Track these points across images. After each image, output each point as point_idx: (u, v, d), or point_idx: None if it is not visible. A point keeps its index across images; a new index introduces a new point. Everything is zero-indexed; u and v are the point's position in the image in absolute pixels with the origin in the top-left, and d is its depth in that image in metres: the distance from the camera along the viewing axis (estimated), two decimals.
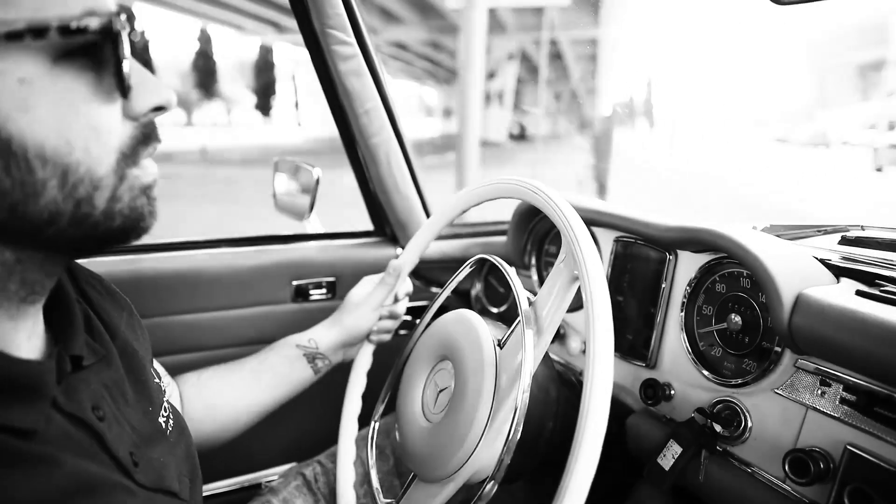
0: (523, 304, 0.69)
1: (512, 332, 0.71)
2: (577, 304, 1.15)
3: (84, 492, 0.45)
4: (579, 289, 0.64)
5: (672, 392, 0.92)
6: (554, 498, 0.54)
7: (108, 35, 0.41)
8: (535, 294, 0.72)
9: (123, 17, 0.42)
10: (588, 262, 0.62)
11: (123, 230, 0.46)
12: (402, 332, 1.42)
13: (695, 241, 0.89)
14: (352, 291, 1.00)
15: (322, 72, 1.19)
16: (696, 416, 0.85)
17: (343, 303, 1.00)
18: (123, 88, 0.43)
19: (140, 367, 0.63)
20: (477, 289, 1.44)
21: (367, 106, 1.19)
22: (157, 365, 0.75)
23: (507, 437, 0.62)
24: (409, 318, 1.44)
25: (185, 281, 1.21)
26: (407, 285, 1.02)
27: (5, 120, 0.38)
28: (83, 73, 0.41)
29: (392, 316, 1.01)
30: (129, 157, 0.45)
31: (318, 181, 1.31)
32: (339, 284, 1.35)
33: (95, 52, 0.41)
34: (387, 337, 1.01)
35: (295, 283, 1.31)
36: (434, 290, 1.48)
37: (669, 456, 0.85)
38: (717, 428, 0.83)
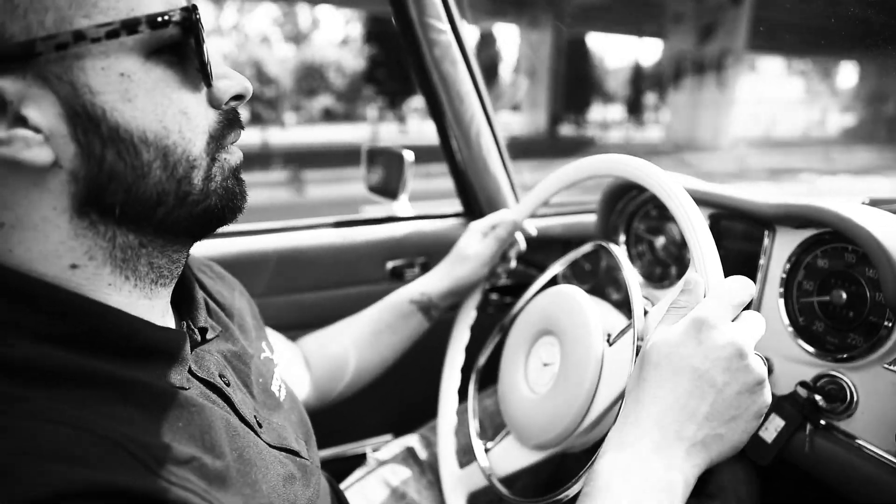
0: (637, 312, 0.71)
1: (622, 334, 0.74)
2: (669, 283, 1.16)
3: (231, 433, 0.52)
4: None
5: (770, 367, 0.93)
6: None
7: (189, 30, 0.47)
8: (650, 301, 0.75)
9: (196, 13, 0.48)
10: (704, 249, 0.65)
11: (220, 209, 0.53)
12: (490, 310, 1.47)
13: (797, 216, 0.89)
14: (461, 242, 1.01)
15: (416, 59, 1.23)
16: (798, 390, 0.86)
17: (453, 252, 1.01)
18: (208, 78, 0.50)
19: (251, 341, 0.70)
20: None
21: (461, 91, 1.23)
22: (271, 338, 0.82)
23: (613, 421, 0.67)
24: (496, 296, 1.48)
25: (286, 262, 1.27)
26: (520, 243, 1.04)
27: (111, 110, 0.45)
28: (171, 66, 0.48)
29: (504, 268, 1.06)
30: (218, 140, 0.52)
31: (409, 164, 1.36)
32: (431, 264, 1.40)
33: (179, 48, 0.48)
34: (502, 279, 1.11)
35: (390, 264, 1.36)
36: (521, 268, 1.50)
37: (771, 429, 0.86)
38: (820, 401, 0.83)
